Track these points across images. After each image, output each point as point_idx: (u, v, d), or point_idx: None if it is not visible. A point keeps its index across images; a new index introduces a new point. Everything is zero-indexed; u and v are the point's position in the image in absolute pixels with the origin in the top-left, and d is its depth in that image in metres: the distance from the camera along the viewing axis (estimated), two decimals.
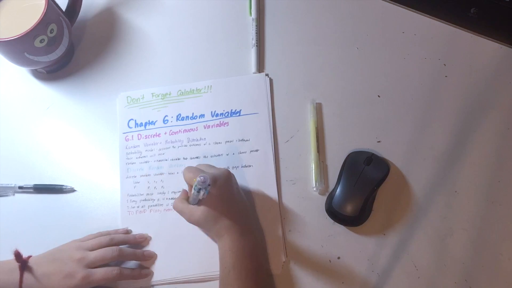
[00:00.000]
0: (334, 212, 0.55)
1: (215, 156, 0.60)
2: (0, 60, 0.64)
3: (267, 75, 0.64)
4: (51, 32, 0.60)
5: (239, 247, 0.50)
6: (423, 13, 0.67)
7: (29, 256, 0.52)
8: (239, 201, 0.53)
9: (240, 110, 0.62)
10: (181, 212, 0.52)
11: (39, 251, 0.54)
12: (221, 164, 0.59)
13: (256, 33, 0.67)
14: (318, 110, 0.62)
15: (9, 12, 0.60)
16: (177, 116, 0.63)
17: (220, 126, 0.61)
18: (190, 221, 0.52)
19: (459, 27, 0.66)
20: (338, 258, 0.55)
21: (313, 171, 0.58)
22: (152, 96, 0.64)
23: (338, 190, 0.56)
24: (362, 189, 0.55)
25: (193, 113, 0.63)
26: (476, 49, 0.64)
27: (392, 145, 0.59)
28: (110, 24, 0.71)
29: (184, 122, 0.62)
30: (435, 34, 0.65)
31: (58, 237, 0.56)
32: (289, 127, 0.62)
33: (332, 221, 0.56)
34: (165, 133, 0.62)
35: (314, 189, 0.58)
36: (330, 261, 0.55)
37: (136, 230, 0.58)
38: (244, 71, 0.65)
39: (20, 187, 0.60)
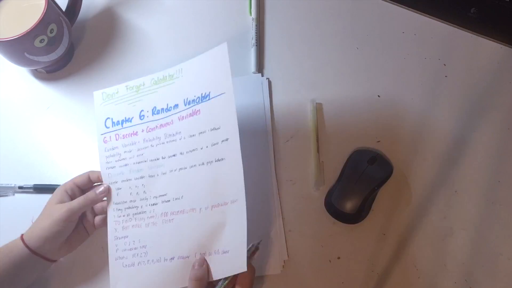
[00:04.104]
0: (331, 207, 0.55)
1: (191, 151, 0.54)
2: (0, 60, 0.64)
3: (267, 78, 0.64)
4: (51, 32, 0.60)
5: None
6: (423, 13, 0.67)
7: None
8: None
9: (209, 92, 0.55)
10: None
11: None
12: (197, 159, 0.53)
13: (256, 33, 0.67)
14: (318, 110, 0.62)
15: (9, 12, 0.60)
16: (152, 109, 0.58)
17: (193, 116, 0.56)
18: None
19: (459, 27, 0.65)
20: (338, 258, 0.55)
21: (313, 171, 0.58)
22: (127, 89, 0.60)
23: (338, 186, 0.56)
24: (363, 187, 0.55)
25: (167, 104, 0.58)
26: (476, 49, 0.64)
27: (391, 145, 0.59)
28: (110, 24, 0.71)
29: (160, 115, 0.58)
30: (435, 34, 0.65)
31: None
32: (289, 127, 0.62)
33: (332, 221, 0.56)
34: (142, 131, 0.58)
35: (314, 189, 0.58)
36: (330, 261, 0.55)
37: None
38: (244, 71, 0.65)
39: (20, 187, 0.60)
